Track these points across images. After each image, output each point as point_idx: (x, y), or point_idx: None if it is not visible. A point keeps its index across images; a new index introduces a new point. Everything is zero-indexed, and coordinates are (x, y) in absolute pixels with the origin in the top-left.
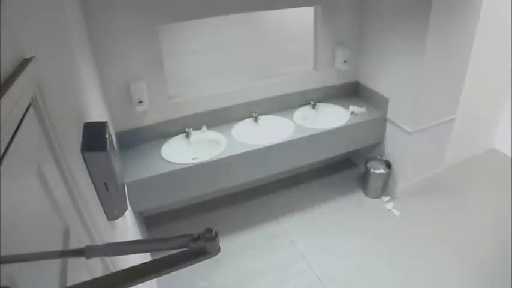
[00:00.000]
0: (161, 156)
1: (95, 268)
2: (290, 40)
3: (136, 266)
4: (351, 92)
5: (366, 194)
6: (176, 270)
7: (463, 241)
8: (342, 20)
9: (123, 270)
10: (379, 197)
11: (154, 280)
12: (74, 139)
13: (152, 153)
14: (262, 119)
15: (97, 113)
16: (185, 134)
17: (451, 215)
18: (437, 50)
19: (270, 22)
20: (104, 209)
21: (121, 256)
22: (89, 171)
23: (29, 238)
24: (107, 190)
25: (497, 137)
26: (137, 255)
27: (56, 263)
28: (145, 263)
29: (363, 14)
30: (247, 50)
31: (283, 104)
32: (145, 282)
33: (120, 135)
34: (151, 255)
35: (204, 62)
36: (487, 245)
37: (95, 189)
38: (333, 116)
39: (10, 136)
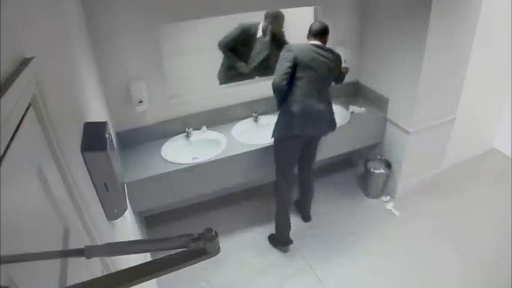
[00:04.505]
0: (161, 156)
1: (95, 268)
2: (290, 40)
3: (136, 266)
4: (351, 92)
5: (366, 194)
6: (176, 270)
7: (463, 241)
8: (341, 20)
9: (123, 270)
10: (379, 197)
11: (154, 280)
12: (74, 139)
13: (152, 153)
14: (262, 119)
15: (97, 113)
16: (185, 134)
17: (450, 215)
18: (438, 50)
19: None
20: (104, 209)
21: (121, 256)
22: (89, 171)
23: (29, 238)
24: (107, 190)
25: (497, 137)
26: (137, 255)
27: (56, 263)
28: (145, 263)
29: (363, 14)
30: None
31: None
32: (145, 282)
33: (120, 135)
34: (151, 255)
35: (204, 62)
36: (486, 245)
37: (95, 189)
38: None
39: (10, 136)
